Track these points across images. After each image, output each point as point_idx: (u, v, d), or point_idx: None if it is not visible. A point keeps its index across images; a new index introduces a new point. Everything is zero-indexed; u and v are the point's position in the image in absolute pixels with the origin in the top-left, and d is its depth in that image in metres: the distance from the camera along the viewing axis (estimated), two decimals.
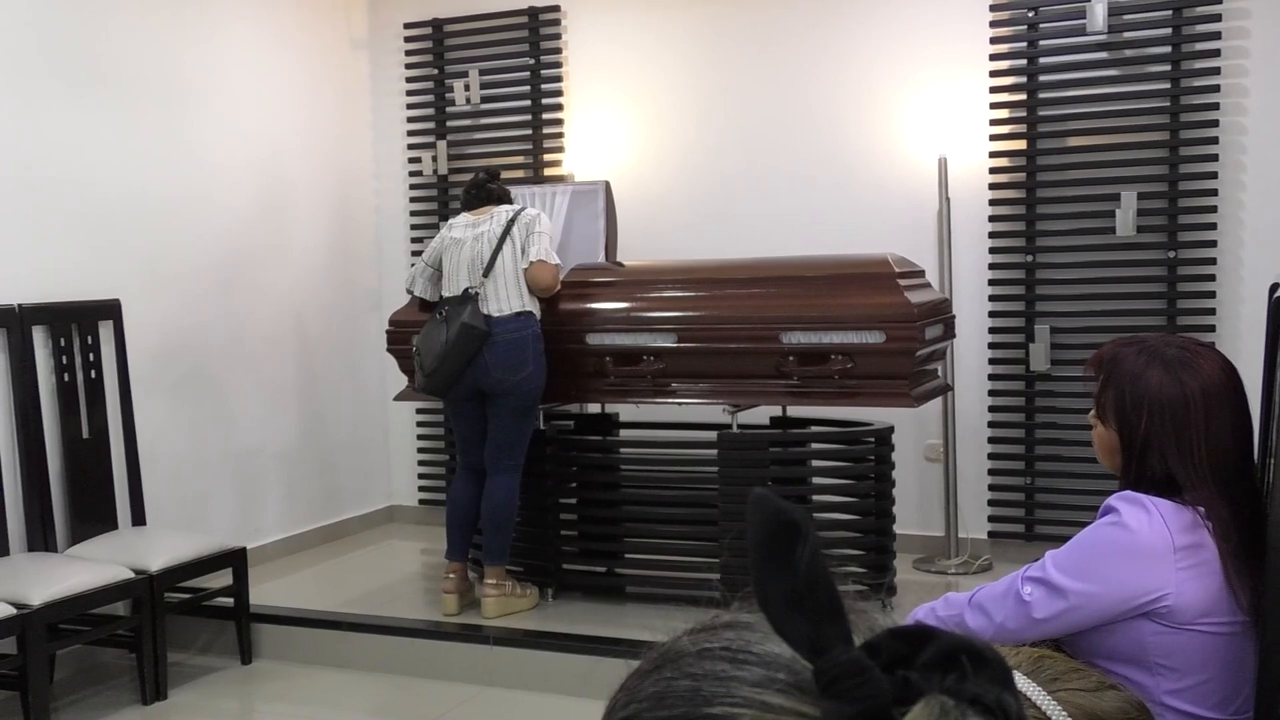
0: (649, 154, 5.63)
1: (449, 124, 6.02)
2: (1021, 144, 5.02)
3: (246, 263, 5.33)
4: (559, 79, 5.79)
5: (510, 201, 4.59)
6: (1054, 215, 4.99)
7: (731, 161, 5.48)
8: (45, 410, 4.33)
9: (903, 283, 4.17)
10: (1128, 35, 4.85)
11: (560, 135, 5.80)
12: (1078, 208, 4.94)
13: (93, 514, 4.45)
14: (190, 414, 5.06)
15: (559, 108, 5.79)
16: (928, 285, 4.54)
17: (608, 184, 5.06)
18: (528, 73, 5.85)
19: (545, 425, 4.72)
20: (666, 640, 0.54)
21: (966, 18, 5.04)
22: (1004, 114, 5.03)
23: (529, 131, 5.86)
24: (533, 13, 5.79)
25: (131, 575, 4.06)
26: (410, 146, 6.10)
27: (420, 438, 6.17)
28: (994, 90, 5.03)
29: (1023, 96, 5.00)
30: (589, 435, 4.94)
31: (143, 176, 4.80)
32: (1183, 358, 1.95)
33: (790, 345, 4.21)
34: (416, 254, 5.23)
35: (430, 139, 6.05)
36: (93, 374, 4.51)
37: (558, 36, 5.78)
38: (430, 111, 6.06)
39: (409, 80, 6.09)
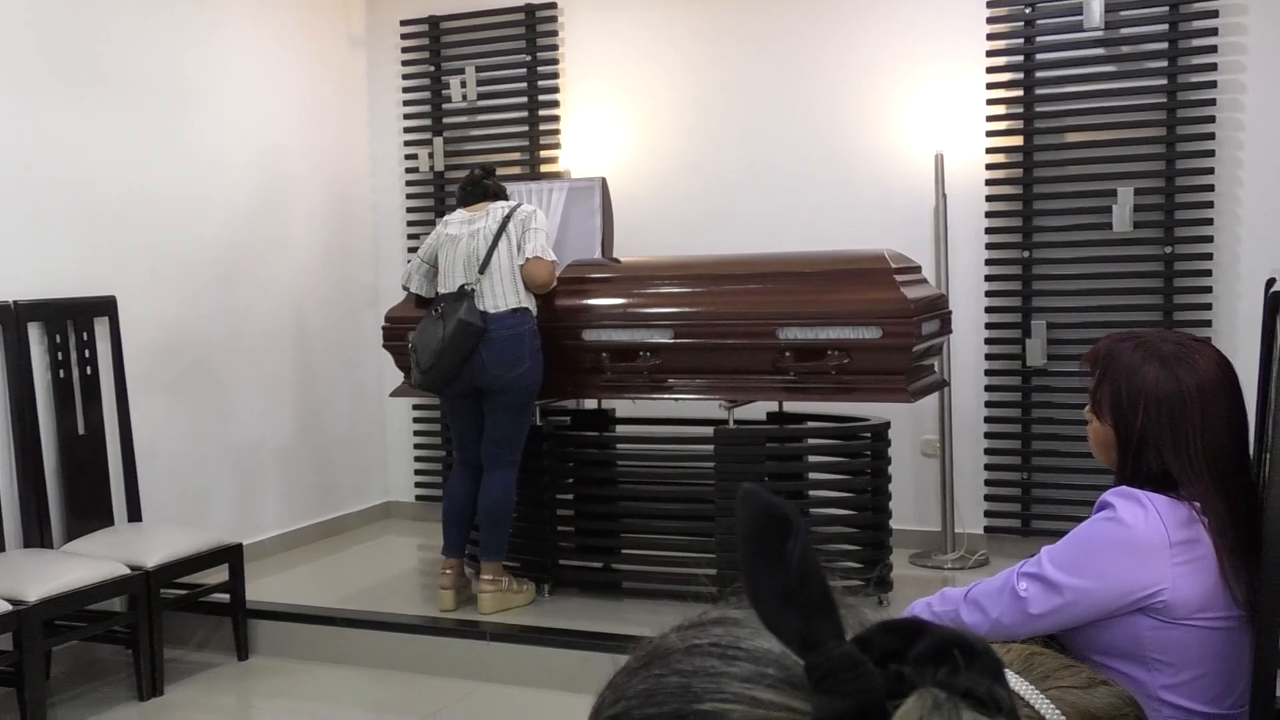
0: (646, 150, 5.62)
1: (446, 120, 6.02)
2: (1018, 140, 5.02)
3: (243, 259, 5.33)
4: (556, 75, 5.78)
5: (506, 198, 4.59)
6: (1050, 211, 4.99)
7: (728, 157, 5.48)
8: (41, 407, 4.33)
9: (899, 278, 4.17)
10: (1124, 31, 4.85)
11: (557, 132, 5.80)
12: (1074, 203, 4.94)
13: (89, 510, 4.45)
14: (187, 410, 5.06)
15: (556, 104, 5.79)
16: (924, 281, 4.54)
17: (604, 180, 5.05)
18: (525, 69, 5.84)
19: (542, 421, 4.72)
20: (654, 637, 0.54)
21: (964, 14, 5.04)
22: (1001, 110, 5.03)
23: (526, 128, 5.85)
24: (529, 9, 5.79)
25: (128, 571, 4.06)
26: (407, 143, 6.10)
27: (417, 434, 6.17)
28: (991, 86, 5.03)
29: (1019, 93, 5.00)
30: (585, 431, 4.94)
31: (140, 173, 4.80)
32: (1179, 353, 1.95)
33: (787, 341, 4.21)
34: (413, 250, 5.23)
35: (427, 135, 6.04)
36: (89, 370, 4.51)
37: (554, 33, 5.78)
38: (427, 108, 6.05)
39: (406, 77, 6.08)
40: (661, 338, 4.39)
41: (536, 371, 4.38)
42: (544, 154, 5.81)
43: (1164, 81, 4.79)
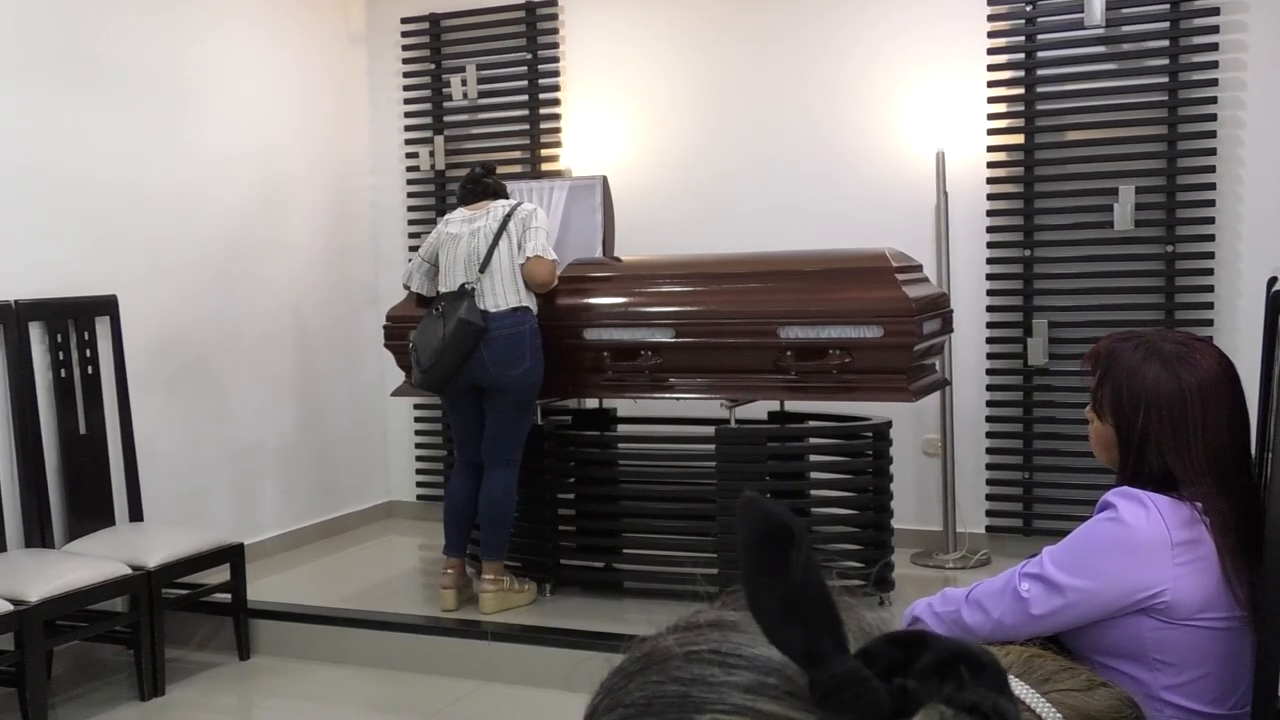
0: (647, 149, 5.62)
1: (446, 119, 6.02)
2: (1019, 138, 5.01)
3: (244, 258, 5.33)
4: (556, 74, 5.78)
5: (506, 196, 4.58)
6: (1052, 210, 4.99)
7: (729, 156, 5.47)
8: (42, 406, 4.33)
9: (900, 277, 4.17)
10: (1126, 29, 4.84)
11: (558, 130, 5.79)
12: (1075, 202, 4.93)
13: (90, 510, 4.45)
14: (188, 410, 5.06)
15: (556, 103, 5.78)
16: (925, 280, 4.54)
17: (605, 179, 5.05)
18: (525, 67, 5.84)
19: (543, 420, 4.72)
20: (649, 638, 0.53)
21: (964, 12, 5.03)
22: (1002, 108, 5.02)
23: (526, 126, 5.85)
24: (530, 7, 5.78)
25: (129, 571, 4.06)
26: (408, 142, 6.09)
27: (418, 433, 6.17)
28: (992, 85, 5.02)
29: (1020, 91, 5.00)
30: (587, 430, 4.94)
31: (140, 172, 4.80)
32: (1180, 353, 1.95)
33: (788, 340, 4.20)
34: (414, 249, 5.23)
35: (428, 134, 6.04)
36: (90, 370, 4.51)
37: (555, 31, 5.77)
38: (428, 106, 6.05)
39: (406, 75, 6.08)
40: (663, 337, 4.39)
41: (537, 370, 4.37)
42: (545, 152, 5.81)
43: (1165, 80, 4.79)
